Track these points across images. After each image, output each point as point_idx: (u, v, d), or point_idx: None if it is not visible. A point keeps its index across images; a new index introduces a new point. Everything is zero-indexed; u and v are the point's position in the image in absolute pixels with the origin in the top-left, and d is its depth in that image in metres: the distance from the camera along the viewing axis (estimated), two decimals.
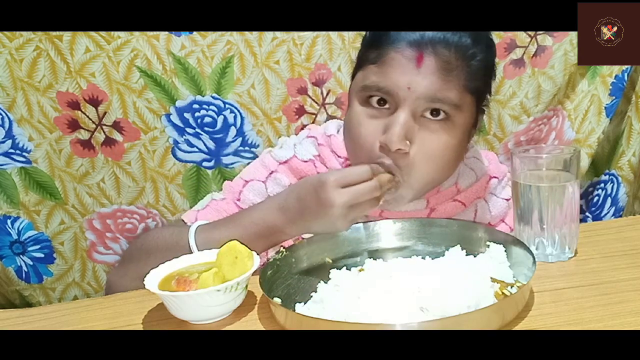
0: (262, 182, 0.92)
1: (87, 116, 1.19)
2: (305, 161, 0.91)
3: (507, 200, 0.92)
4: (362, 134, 0.79)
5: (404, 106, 0.76)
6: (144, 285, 0.69)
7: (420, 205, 0.87)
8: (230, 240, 0.71)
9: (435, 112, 0.77)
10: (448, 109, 0.77)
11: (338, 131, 0.92)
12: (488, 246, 0.76)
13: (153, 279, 0.71)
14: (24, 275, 1.30)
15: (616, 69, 1.24)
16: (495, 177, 0.93)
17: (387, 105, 0.79)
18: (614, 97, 1.26)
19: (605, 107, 1.27)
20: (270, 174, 0.92)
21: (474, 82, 0.79)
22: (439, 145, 0.78)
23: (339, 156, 0.89)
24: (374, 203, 0.75)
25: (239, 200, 0.92)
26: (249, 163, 1.03)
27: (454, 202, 0.89)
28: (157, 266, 0.74)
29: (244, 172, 0.95)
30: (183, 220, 0.93)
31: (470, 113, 0.81)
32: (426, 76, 0.75)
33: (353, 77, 0.85)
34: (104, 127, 1.20)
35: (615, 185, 1.29)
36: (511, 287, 0.68)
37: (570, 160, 0.76)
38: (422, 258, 0.76)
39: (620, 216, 1.29)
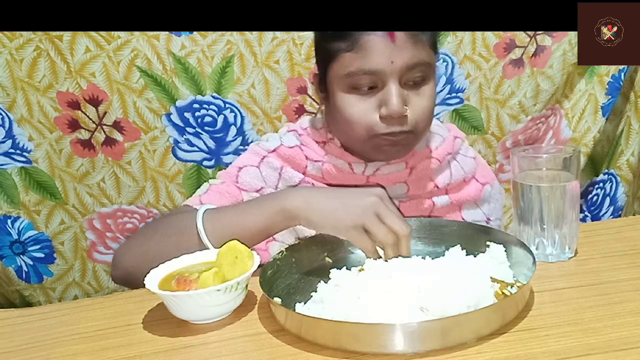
0: (256, 166, 0.96)
1: (88, 116, 1.19)
2: (292, 147, 0.96)
3: (474, 158, 1.02)
4: (355, 115, 0.86)
5: (391, 79, 0.83)
6: (146, 263, 0.69)
7: (400, 167, 0.94)
8: (240, 224, 0.74)
9: (415, 79, 0.85)
10: (424, 69, 0.85)
11: (312, 125, 0.99)
12: (488, 246, 0.76)
13: (153, 279, 0.72)
14: (24, 275, 1.30)
15: (613, 69, 1.25)
16: (458, 137, 1.01)
17: (374, 88, 0.85)
18: (610, 97, 1.26)
19: (601, 107, 1.27)
20: (262, 158, 0.97)
21: (432, 36, 0.87)
22: (426, 102, 0.87)
23: (317, 142, 0.96)
24: (372, 248, 0.76)
25: (237, 182, 0.95)
26: None
27: (430, 159, 0.96)
28: (161, 248, 0.75)
29: (236, 161, 0.99)
30: (187, 205, 0.93)
31: (435, 66, 0.90)
32: (402, 47, 0.83)
33: (323, 69, 0.89)
34: (104, 127, 1.20)
35: (614, 185, 1.29)
36: (511, 287, 0.68)
37: (570, 160, 0.76)
38: (422, 258, 0.75)
39: (619, 216, 1.29)
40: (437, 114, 1.27)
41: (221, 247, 0.72)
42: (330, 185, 0.95)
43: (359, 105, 0.85)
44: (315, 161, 0.94)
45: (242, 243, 0.72)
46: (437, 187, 0.96)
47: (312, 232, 0.82)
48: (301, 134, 0.98)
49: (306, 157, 0.95)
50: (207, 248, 0.79)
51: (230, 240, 0.71)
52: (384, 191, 0.78)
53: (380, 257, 0.75)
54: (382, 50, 0.82)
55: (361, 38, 0.82)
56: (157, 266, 0.74)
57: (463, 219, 0.98)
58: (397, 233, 0.74)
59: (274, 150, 0.97)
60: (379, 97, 0.84)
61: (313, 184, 0.95)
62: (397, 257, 0.75)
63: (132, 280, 0.84)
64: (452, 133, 1.01)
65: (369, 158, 0.93)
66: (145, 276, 0.71)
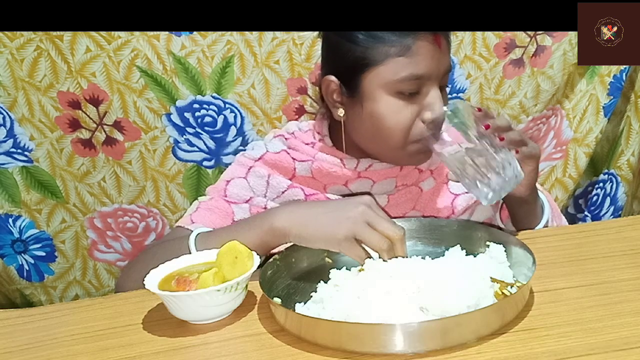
0: (243, 177, 0.97)
1: (88, 116, 1.19)
2: (277, 152, 0.97)
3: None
4: (401, 121, 0.87)
5: (435, 84, 0.86)
6: (135, 286, 0.69)
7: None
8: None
9: (444, 82, 0.88)
10: (448, 74, 0.89)
11: (299, 129, 1.01)
12: (488, 246, 0.76)
13: (153, 279, 0.72)
14: (25, 273, 1.31)
15: (614, 69, 1.25)
16: None
17: (417, 94, 0.86)
18: (612, 97, 1.26)
19: (603, 107, 1.27)
20: (249, 169, 0.97)
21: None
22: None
23: (306, 143, 0.97)
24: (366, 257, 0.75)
25: (225, 196, 0.96)
26: None
27: None
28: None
29: (223, 175, 1.00)
30: (179, 227, 0.94)
31: None
32: (444, 54, 0.87)
33: (354, 78, 0.87)
34: (104, 126, 1.20)
35: (614, 185, 1.29)
36: (511, 287, 0.68)
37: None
38: (422, 258, 0.76)
39: (619, 216, 1.29)
40: None
41: (221, 247, 0.72)
42: (320, 183, 0.96)
43: (404, 111, 0.86)
44: (304, 161, 0.95)
45: None
46: (421, 170, 0.98)
47: None
48: (288, 138, 0.99)
49: (293, 159, 0.96)
50: None
51: (231, 241, 0.71)
52: (371, 199, 0.78)
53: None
54: (432, 55, 0.84)
55: (412, 43, 0.83)
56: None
57: (452, 192, 0.99)
58: (391, 238, 0.74)
59: (259, 158, 0.98)
60: (421, 103, 0.86)
61: (302, 189, 0.96)
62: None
63: None
64: None
65: (400, 164, 0.94)
66: None
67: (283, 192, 0.96)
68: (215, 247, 0.79)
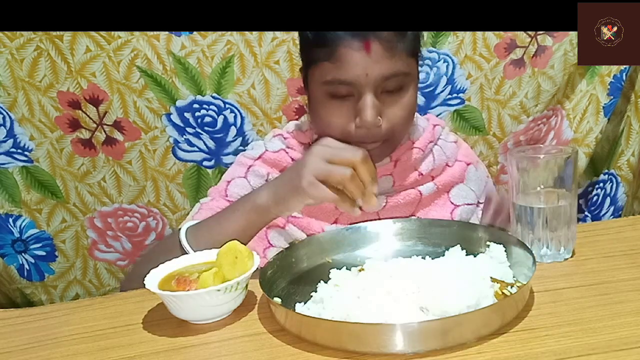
0: (243, 177, 0.98)
1: (88, 116, 1.19)
2: (276, 151, 0.98)
3: (455, 142, 1.05)
4: (333, 121, 0.88)
5: (366, 90, 0.85)
6: (135, 285, 0.69)
7: (385, 161, 0.96)
8: (221, 231, 0.76)
9: (390, 88, 0.86)
10: (401, 79, 0.86)
11: (299, 129, 1.01)
12: (488, 246, 0.76)
13: (153, 279, 0.72)
14: (25, 273, 1.31)
15: (614, 69, 1.25)
16: (437, 125, 1.04)
17: (350, 96, 0.86)
18: (612, 97, 1.26)
19: (603, 107, 1.27)
20: (249, 168, 0.98)
21: (411, 46, 0.87)
22: (403, 112, 0.88)
23: (303, 143, 0.99)
24: (346, 200, 0.76)
25: (226, 196, 0.96)
26: None
27: (413, 149, 0.98)
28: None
29: (224, 175, 1.01)
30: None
31: (415, 71, 0.91)
32: (377, 59, 0.84)
33: (305, 72, 0.92)
34: (104, 126, 1.20)
35: (615, 185, 1.29)
36: (511, 287, 0.68)
37: (568, 161, 0.76)
38: (422, 258, 0.76)
39: (619, 216, 1.29)
40: (438, 115, 1.27)
41: (221, 247, 0.72)
42: None
43: (336, 112, 0.87)
44: None
45: None
46: (422, 174, 0.98)
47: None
48: (287, 137, 1.00)
49: (292, 158, 0.97)
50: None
51: (231, 241, 0.71)
52: (328, 138, 0.80)
53: (356, 206, 0.76)
54: (357, 62, 0.83)
55: (338, 49, 0.84)
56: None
57: (452, 202, 0.99)
58: (352, 162, 0.74)
59: (259, 157, 0.99)
60: (354, 107, 0.86)
61: None
62: (366, 194, 0.76)
63: None
64: (431, 122, 1.03)
65: None
66: None
67: None
68: (205, 236, 0.81)
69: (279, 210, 0.82)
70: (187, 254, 0.80)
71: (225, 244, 0.72)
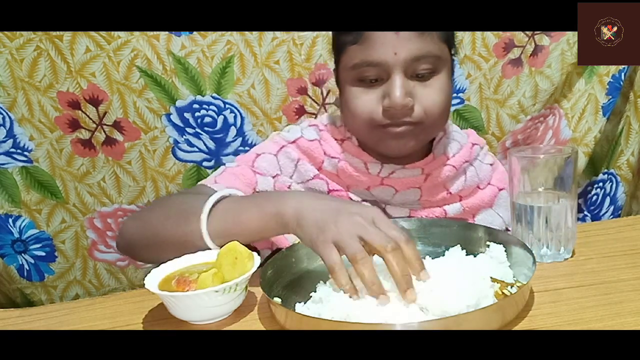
0: (274, 155, 0.96)
1: (88, 116, 1.19)
2: (311, 140, 0.96)
3: (491, 164, 1.01)
4: (359, 106, 0.87)
5: (396, 71, 0.84)
6: (145, 237, 0.69)
7: (416, 172, 0.93)
8: (236, 221, 0.74)
9: (422, 71, 0.85)
10: (432, 61, 0.85)
11: (333, 123, 0.99)
12: (488, 246, 0.76)
13: (154, 279, 0.72)
14: (25, 273, 1.31)
15: (613, 69, 1.25)
16: (476, 144, 1.01)
17: (379, 80, 0.85)
18: (610, 97, 1.26)
19: (602, 106, 1.27)
20: (281, 148, 0.97)
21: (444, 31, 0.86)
22: (435, 95, 0.86)
23: (336, 139, 0.96)
24: (344, 278, 0.65)
25: (253, 167, 0.95)
26: None
27: (447, 166, 0.95)
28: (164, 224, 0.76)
29: (255, 147, 1.00)
30: (202, 185, 0.93)
31: (448, 60, 0.89)
32: (406, 39, 0.83)
33: (337, 63, 0.92)
34: (104, 126, 1.20)
35: (614, 185, 1.29)
36: (511, 287, 0.68)
37: (567, 161, 0.76)
38: (422, 258, 0.75)
39: (619, 215, 1.29)
40: None
41: (222, 247, 0.72)
42: (344, 182, 0.95)
43: (363, 97, 0.86)
44: (332, 157, 0.94)
45: (239, 240, 0.72)
46: (450, 193, 0.95)
47: None
48: (321, 130, 0.98)
49: (324, 152, 0.95)
50: (204, 238, 0.76)
51: (230, 242, 0.71)
52: (376, 211, 0.70)
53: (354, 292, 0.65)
54: (385, 42, 0.83)
55: (365, 30, 0.83)
56: (155, 244, 0.75)
57: None
58: (379, 249, 0.64)
59: (293, 142, 0.97)
60: (383, 89, 0.85)
61: (327, 182, 0.95)
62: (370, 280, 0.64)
63: (133, 251, 0.86)
64: (471, 140, 1.00)
65: (379, 152, 0.92)
66: (145, 250, 0.71)
67: (308, 180, 0.95)
68: (222, 215, 0.76)
69: (293, 232, 0.73)
70: (200, 225, 0.76)
71: (235, 234, 0.73)
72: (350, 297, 0.65)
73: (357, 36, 0.84)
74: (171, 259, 0.75)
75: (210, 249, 0.77)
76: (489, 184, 1.00)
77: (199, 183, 0.96)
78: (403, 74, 0.84)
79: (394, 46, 0.82)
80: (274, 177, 0.95)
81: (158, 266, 0.74)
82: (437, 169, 0.94)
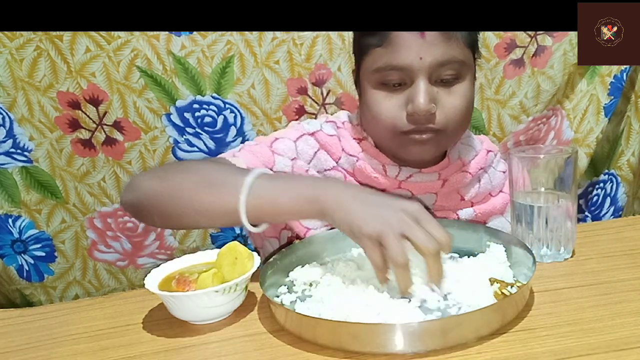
0: (293, 141, 0.94)
1: (88, 116, 1.19)
2: (331, 135, 0.95)
3: (504, 172, 1.00)
4: (382, 112, 0.85)
5: (420, 76, 0.82)
6: (163, 196, 0.70)
7: (433, 177, 0.93)
8: (274, 202, 0.71)
9: (446, 77, 0.83)
10: (457, 67, 0.83)
11: (350, 121, 0.98)
12: (488, 246, 0.76)
13: (154, 279, 0.72)
14: (25, 273, 1.31)
15: (615, 69, 1.25)
16: (490, 151, 1.00)
17: (402, 85, 0.84)
18: (612, 97, 1.26)
19: (603, 107, 1.27)
20: (301, 136, 0.95)
21: (469, 36, 0.85)
22: (458, 101, 0.84)
23: (354, 138, 0.95)
24: (382, 268, 0.66)
25: (271, 147, 0.92)
26: None
27: (462, 172, 0.94)
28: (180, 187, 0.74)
29: (275, 132, 0.97)
30: (221, 157, 0.90)
31: (472, 65, 0.88)
32: (432, 43, 0.81)
33: (358, 65, 0.89)
34: (104, 126, 1.20)
35: (615, 185, 1.29)
36: (511, 287, 0.68)
37: (568, 161, 0.76)
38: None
39: (620, 216, 1.29)
40: None
41: (253, 225, 0.72)
42: (359, 183, 0.93)
43: (386, 102, 0.84)
44: (351, 155, 0.93)
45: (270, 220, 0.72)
46: (463, 198, 0.95)
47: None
48: (339, 127, 0.97)
49: (342, 148, 0.93)
50: (239, 212, 0.72)
51: (231, 242, 0.71)
52: (419, 208, 0.68)
53: (388, 283, 0.67)
54: (411, 45, 0.81)
55: (391, 33, 0.81)
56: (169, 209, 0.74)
57: None
58: (423, 250, 0.64)
59: (313, 133, 0.95)
60: (407, 94, 0.83)
61: (345, 175, 0.94)
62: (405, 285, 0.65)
63: (139, 209, 0.80)
64: (485, 146, 1.00)
65: (399, 157, 0.91)
66: (160, 209, 0.72)
67: (326, 170, 0.94)
68: (257, 192, 0.72)
69: (330, 221, 0.70)
70: (237, 196, 0.72)
71: (270, 214, 0.71)
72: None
73: (381, 38, 0.82)
74: (188, 226, 0.71)
75: (237, 224, 0.73)
76: (500, 191, 1.00)
77: (219, 156, 0.92)
78: (427, 79, 0.82)
79: (419, 51, 0.81)
80: (292, 159, 0.93)
81: (158, 266, 0.74)
82: (453, 175, 0.93)
